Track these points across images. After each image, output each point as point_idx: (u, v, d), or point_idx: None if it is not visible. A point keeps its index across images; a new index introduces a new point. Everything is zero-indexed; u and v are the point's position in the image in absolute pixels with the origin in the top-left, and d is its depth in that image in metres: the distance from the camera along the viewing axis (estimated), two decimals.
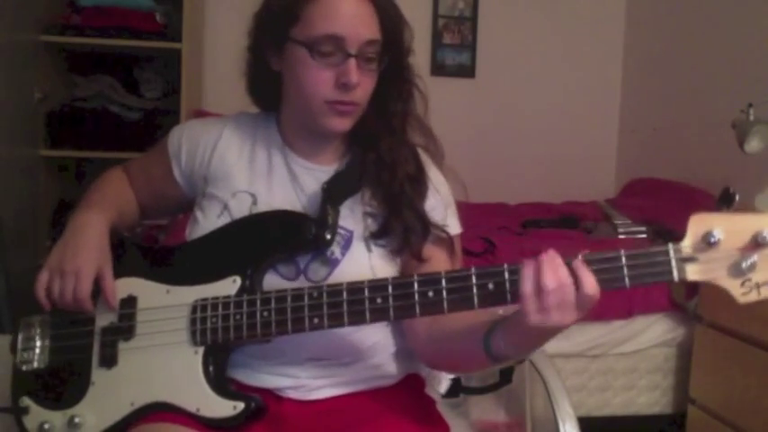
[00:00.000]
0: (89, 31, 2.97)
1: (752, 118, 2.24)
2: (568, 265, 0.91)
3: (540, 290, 0.90)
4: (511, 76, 3.80)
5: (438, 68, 3.74)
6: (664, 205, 2.89)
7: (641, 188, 3.44)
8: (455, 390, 1.37)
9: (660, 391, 2.54)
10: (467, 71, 3.78)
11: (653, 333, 2.48)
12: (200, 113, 3.11)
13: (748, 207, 1.86)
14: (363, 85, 1.09)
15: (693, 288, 2.34)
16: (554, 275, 0.89)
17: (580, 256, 0.92)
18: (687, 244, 0.91)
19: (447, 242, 1.16)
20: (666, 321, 2.48)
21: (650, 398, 2.54)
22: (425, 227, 1.13)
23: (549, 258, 0.91)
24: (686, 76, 3.34)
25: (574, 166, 3.80)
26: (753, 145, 2.22)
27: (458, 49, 3.77)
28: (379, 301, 0.99)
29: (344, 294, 1.00)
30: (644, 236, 2.69)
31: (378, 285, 1.00)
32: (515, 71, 3.81)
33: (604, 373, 2.50)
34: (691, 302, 2.37)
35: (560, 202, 3.44)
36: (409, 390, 1.22)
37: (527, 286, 0.91)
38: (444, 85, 3.70)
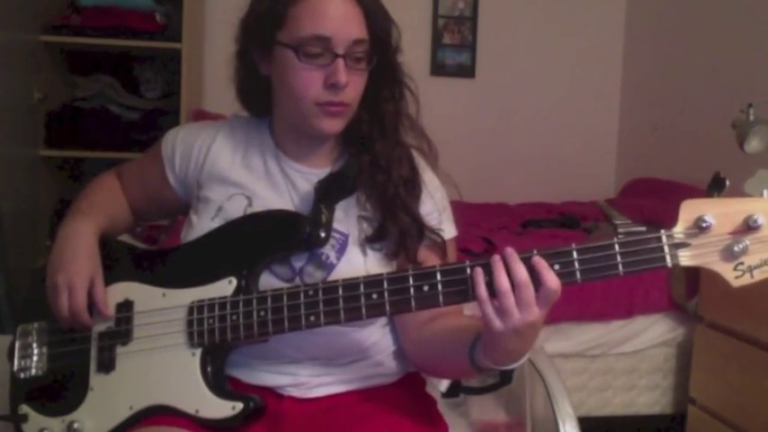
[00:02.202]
0: (89, 31, 2.97)
1: (752, 118, 2.24)
2: (527, 261, 0.91)
3: (495, 292, 0.91)
4: (511, 76, 3.80)
5: (438, 68, 3.74)
6: (664, 205, 2.89)
7: (641, 188, 3.43)
8: (455, 389, 1.37)
9: (660, 391, 2.54)
10: (467, 71, 3.78)
11: (653, 333, 2.48)
12: (200, 113, 3.11)
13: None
14: (353, 85, 1.09)
15: (693, 288, 2.34)
16: (505, 277, 0.90)
17: (535, 252, 0.92)
18: (679, 230, 0.91)
19: (441, 246, 1.16)
20: (666, 321, 2.48)
21: (650, 398, 2.54)
22: (420, 229, 1.13)
23: (498, 260, 0.91)
24: (686, 77, 3.34)
25: (574, 166, 3.80)
26: (753, 145, 2.21)
27: (458, 49, 3.77)
28: (374, 296, 0.99)
29: (340, 291, 1.00)
30: None
31: (373, 281, 1.00)
32: (515, 71, 3.81)
33: (604, 373, 2.50)
34: (691, 302, 2.37)
35: (560, 202, 3.44)
36: (409, 389, 1.22)
37: (480, 290, 0.92)
38: (444, 85, 3.71)
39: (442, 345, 1.09)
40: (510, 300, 0.90)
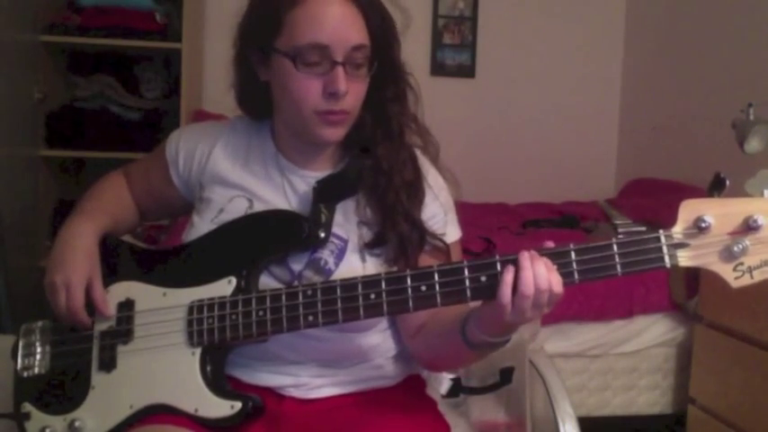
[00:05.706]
0: (89, 32, 2.97)
1: (752, 118, 2.24)
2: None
3: (518, 295, 0.92)
4: (511, 76, 3.80)
5: (438, 68, 3.74)
6: (664, 205, 2.89)
7: (641, 188, 3.44)
8: (455, 390, 1.36)
9: (660, 391, 2.54)
10: (467, 71, 3.78)
11: (653, 333, 2.48)
12: (200, 113, 3.11)
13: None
14: (353, 92, 1.07)
15: (693, 288, 2.34)
16: (533, 281, 0.91)
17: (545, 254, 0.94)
18: (678, 230, 0.91)
19: (444, 251, 1.14)
20: (666, 321, 2.48)
21: (650, 398, 2.54)
22: (422, 236, 1.12)
23: (527, 262, 0.92)
24: (686, 76, 3.34)
25: (574, 166, 3.80)
26: (753, 145, 2.21)
27: (458, 49, 3.77)
28: (372, 296, 0.99)
29: (338, 291, 1.00)
30: None
31: (371, 281, 1.00)
32: (515, 71, 3.81)
33: (604, 373, 2.50)
34: (691, 302, 2.37)
35: (560, 202, 3.44)
36: (410, 390, 1.22)
37: (506, 291, 0.93)
38: (444, 85, 3.71)
39: (440, 335, 1.09)
40: (528, 302, 0.92)
